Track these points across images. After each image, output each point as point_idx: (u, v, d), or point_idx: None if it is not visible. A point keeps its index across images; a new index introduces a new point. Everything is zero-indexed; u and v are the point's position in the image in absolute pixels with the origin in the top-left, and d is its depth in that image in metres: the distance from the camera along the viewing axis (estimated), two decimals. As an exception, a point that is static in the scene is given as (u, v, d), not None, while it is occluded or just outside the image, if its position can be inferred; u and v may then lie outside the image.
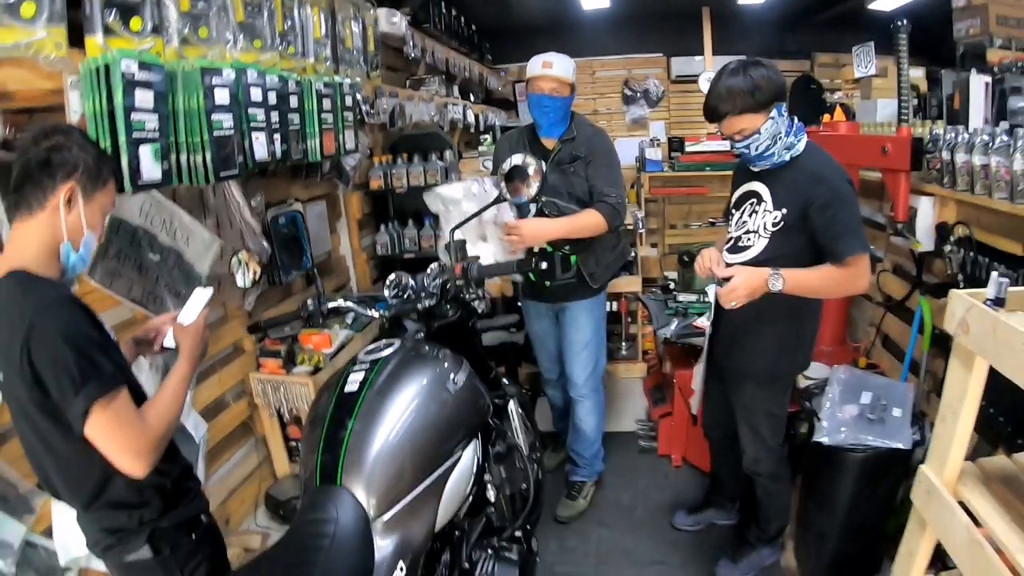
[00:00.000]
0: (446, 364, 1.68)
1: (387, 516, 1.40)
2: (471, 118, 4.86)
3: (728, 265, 2.07)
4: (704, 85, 3.32)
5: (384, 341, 1.74)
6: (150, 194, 2.11)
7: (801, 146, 2.00)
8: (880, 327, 3.23)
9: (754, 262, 2.03)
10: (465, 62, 5.16)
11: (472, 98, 5.11)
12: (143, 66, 1.68)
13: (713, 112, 1.98)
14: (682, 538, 2.76)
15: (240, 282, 2.24)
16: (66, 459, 1.32)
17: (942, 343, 2.55)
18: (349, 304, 1.96)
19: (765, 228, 2.04)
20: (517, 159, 2.07)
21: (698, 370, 2.45)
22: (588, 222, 2.55)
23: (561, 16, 6.00)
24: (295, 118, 2.37)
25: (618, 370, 3.75)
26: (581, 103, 6.55)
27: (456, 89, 4.81)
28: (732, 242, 2.16)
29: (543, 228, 2.53)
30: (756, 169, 2.08)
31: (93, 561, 1.75)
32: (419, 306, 1.90)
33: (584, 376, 2.87)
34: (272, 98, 2.22)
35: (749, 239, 2.09)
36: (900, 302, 3.05)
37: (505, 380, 2.24)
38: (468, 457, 1.62)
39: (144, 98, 1.68)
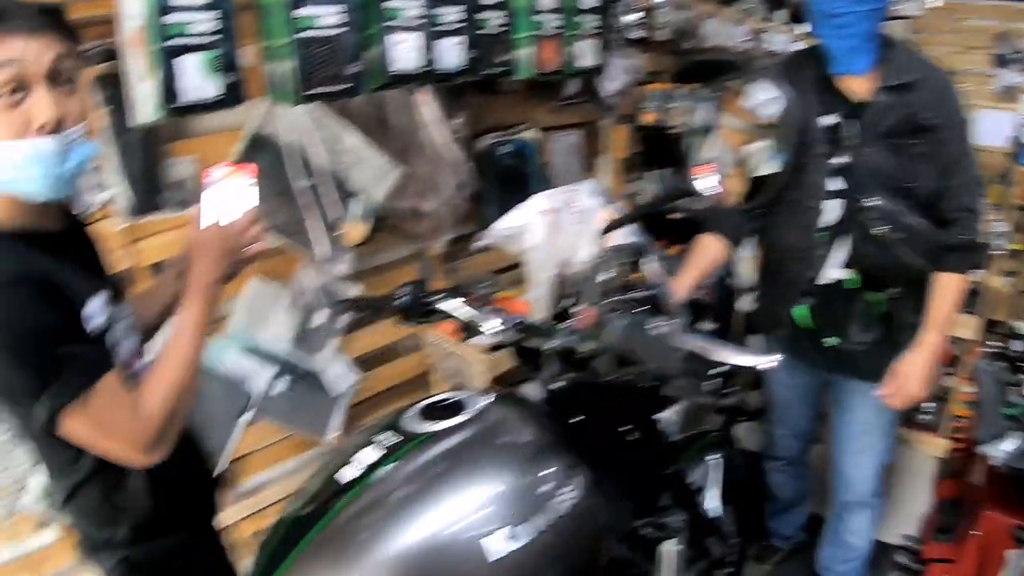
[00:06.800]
0: (535, 481, 0.96)
1: None
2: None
3: None
4: None
5: (459, 397, 1.06)
6: (308, 109, 1.71)
7: None
8: None
9: None
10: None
11: (804, 27, 3.76)
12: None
13: None
14: None
15: None
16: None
17: None
18: (459, 312, 1.29)
19: None
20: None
21: None
22: (954, 299, 1.58)
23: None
24: (493, 17, 1.71)
25: (902, 437, 2.19)
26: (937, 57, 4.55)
27: (786, 15, 3.54)
28: None
29: (922, 373, 1.60)
30: None
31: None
32: (544, 346, 1.15)
33: (866, 475, 1.82)
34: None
35: None
36: None
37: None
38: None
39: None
